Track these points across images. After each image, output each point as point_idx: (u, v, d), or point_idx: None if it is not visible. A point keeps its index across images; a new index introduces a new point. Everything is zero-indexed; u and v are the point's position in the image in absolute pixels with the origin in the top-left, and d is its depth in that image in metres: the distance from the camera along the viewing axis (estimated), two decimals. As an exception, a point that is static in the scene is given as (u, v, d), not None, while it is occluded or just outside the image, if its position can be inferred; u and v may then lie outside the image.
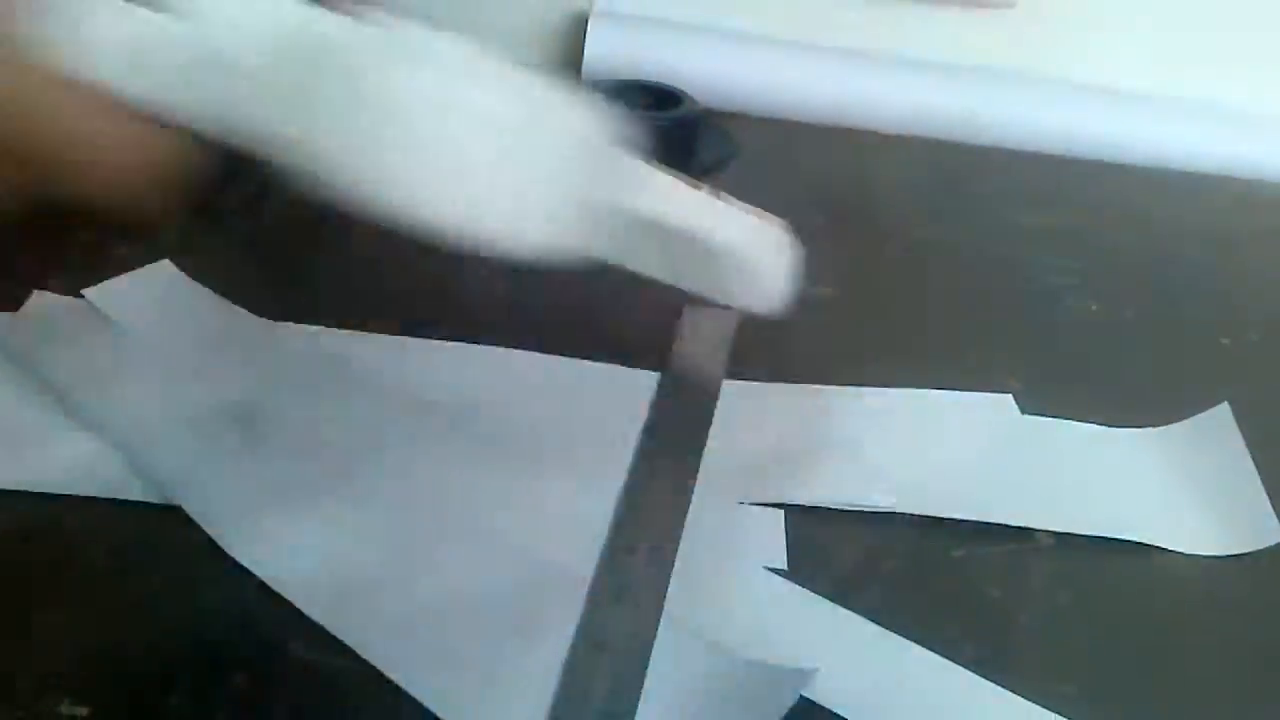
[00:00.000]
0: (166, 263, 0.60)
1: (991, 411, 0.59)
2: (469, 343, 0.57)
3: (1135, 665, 0.47)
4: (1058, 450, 0.57)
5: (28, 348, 0.53)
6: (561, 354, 0.57)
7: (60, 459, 0.48)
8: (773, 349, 0.58)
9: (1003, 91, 0.89)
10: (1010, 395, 0.60)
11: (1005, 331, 0.67)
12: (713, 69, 0.87)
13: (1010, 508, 0.52)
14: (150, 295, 0.57)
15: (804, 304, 0.68)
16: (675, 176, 0.46)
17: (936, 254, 0.74)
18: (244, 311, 0.58)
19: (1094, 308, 0.70)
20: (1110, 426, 0.58)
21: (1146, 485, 0.55)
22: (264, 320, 0.57)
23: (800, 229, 0.76)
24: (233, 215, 0.65)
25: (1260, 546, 0.52)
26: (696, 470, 0.50)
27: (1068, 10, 0.89)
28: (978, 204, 0.81)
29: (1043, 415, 0.59)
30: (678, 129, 0.81)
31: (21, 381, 0.51)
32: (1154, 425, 0.59)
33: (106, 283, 0.57)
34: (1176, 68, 0.90)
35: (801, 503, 0.51)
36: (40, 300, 0.57)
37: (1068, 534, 0.52)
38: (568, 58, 0.90)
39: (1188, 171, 0.88)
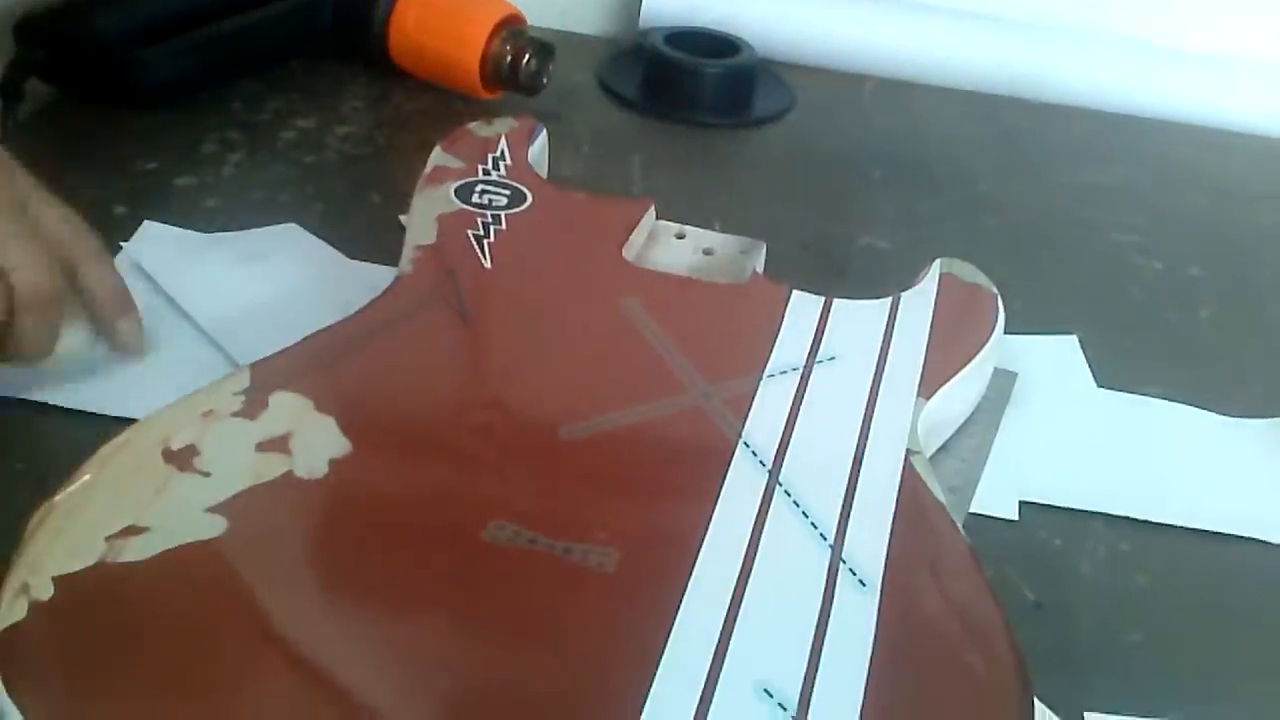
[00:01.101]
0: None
1: (1063, 364, 0.59)
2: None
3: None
4: (1148, 435, 0.56)
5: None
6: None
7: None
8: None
9: (1066, 47, 0.88)
10: (1074, 336, 0.60)
11: (1066, 285, 0.67)
12: (771, 17, 0.86)
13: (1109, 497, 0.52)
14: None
15: (859, 254, 0.69)
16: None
17: (994, 208, 0.73)
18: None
19: (1158, 266, 0.69)
20: (1192, 404, 0.58)
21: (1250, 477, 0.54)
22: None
23: (856, 180, 0.77)
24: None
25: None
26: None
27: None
28: (1037, 160, 0.80)
29: (1109, 368, 0.59)
30: (735, 78, 0.81)
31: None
32: (1215, 383, 0.59)
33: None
34: (1246, 28, 0.88)
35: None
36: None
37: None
38: (626, 4, 0.89)
39: (1253, 134, 0.86)
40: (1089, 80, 0.87)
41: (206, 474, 0.41)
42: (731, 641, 0.37)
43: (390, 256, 0.54)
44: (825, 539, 0.41)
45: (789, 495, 0.43)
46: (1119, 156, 0.81)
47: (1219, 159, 0.83)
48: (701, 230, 0.60)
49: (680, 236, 0.59)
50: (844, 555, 0.41)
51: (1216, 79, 0.88)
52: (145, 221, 0.59)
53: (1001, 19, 0.88)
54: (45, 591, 0.36)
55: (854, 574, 0.40)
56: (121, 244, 0.57)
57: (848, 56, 0.87)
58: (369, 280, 0.55)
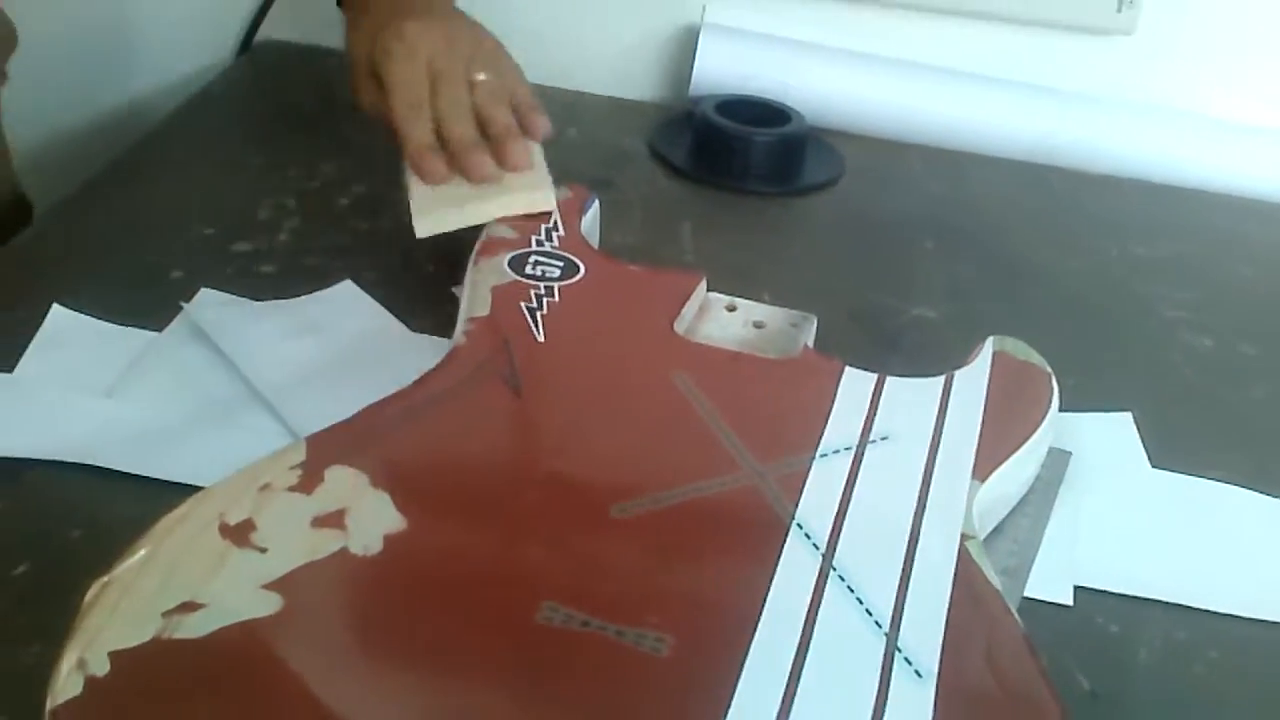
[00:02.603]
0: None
1: (1117, 443, 0.58)
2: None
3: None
4: (1205, 519, 0.55)
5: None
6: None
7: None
8: (880, 367, 0.57)
9: (1118, 118, 0.88)
10: (1130, 413, 0.60)
11: (1117, 360, 0.66)
12: (821, 86, 0.86)
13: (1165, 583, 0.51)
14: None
15: (910, 325, 0.69)
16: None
17: (1044, 279, 0.73)
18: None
19: (1209, 343, 0.68)
20: (1248, 487, 0.57)
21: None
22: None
23: (906, 250, 0.77)
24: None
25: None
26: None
27: (1188, 39, 0.87)
28: (1087, 231, 0.80)
29: (1163, 448, 0.58)
30: (785, 146, 0.81)
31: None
32: (1271, 466, 0.58)
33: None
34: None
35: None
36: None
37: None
38: (677, 72, 0.90)
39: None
40: (1138, 150, 0.87)
41: (263, 550, 0.41)
42: (786, 731, 0.37)
43: (444, 326, 0.55)
44: (880, 626, 0.41)
45: (843, 580, 0.43)
46: (1168, 228, 0.81)
47: (1269, 231, 0.82)
48: (752, 303, 0.60)
49: (731, 309, 0.59)
50: (899, 644, 0.40)
51: (1266, 150, 0.87)
52: (202, 289, 0.60)
53: (1050, 89, 0.88)
54: (101, 667, 0.36)
55: (910, 663, 0.40)
56: (182, 304, 0.58)
57: (897, 125, 0.87)
58: (425, 349, 0.56)
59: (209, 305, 0.59)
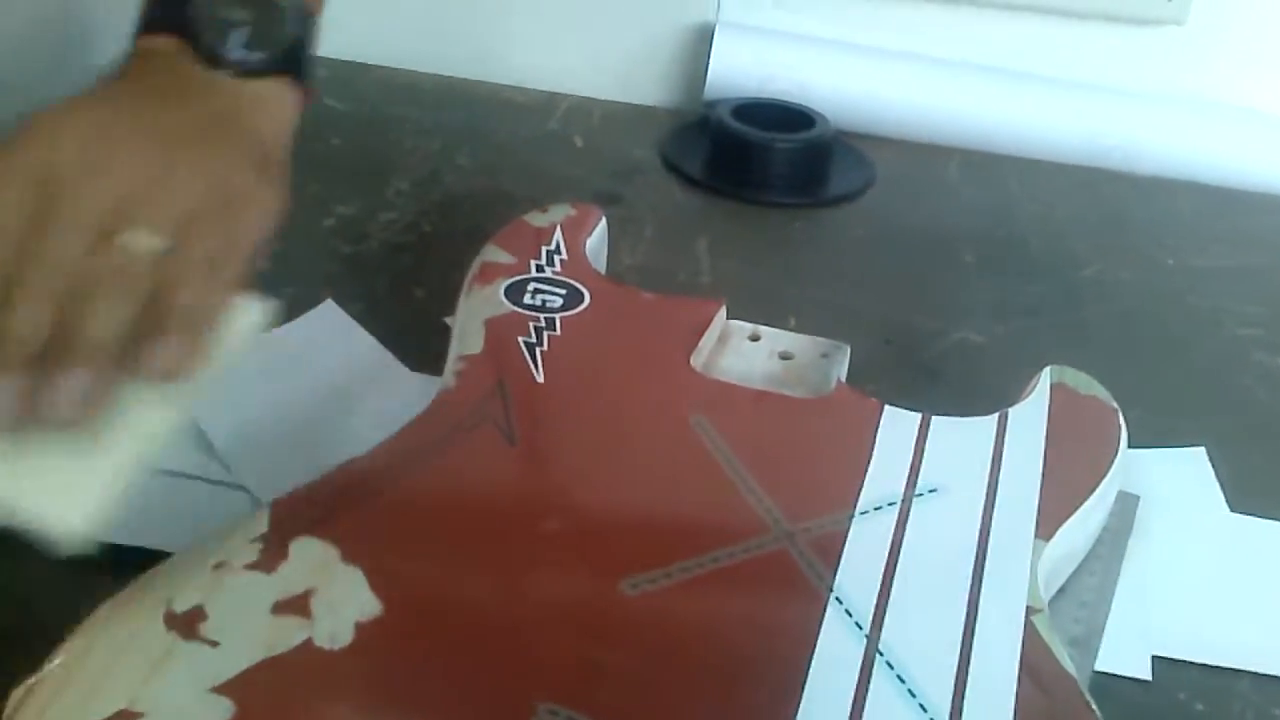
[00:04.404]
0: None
1: (1190, 483, 0.52)
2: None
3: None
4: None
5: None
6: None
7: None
8: (920, 400, 0.51)
9: (1169, 116, 0.82)
10: (1202, 448, 0.54)
11: (1184, 386, 0.60)
12: (847, 87, 0.81)
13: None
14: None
15: (951, 350, 0.63)
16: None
17: (1095, 295, 0.67)
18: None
19: (1285, 364, 0.62)
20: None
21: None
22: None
23: (945, 265, 0.71)
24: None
25: None
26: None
27: (1243, 29, 0.81)
28: (1143, 241, 0.73)
29: (1241, 487, 0.52)
30: (809, 153, 0.75)
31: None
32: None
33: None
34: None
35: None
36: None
37: None
38: (690, 74, 0.84)
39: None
40: (1190, 151, 0.81)
41: (214, 643, 0.35)
42: None
43: (437, 362, 0.49)
44: (938, 727, 0.35)
45: (892, 668, 0.37)
46: (1230, 236, 0.74)
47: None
48: (778, 330, 0.54)
49: (755, 339, 0.53)
50: (961, 749, 0.34)
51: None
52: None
53: (1095, 86, 0.82)
54: None
55: (973, 773, 0.34)
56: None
57: (931, 128, 0.81)
58: (414, 385, 0.51)
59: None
